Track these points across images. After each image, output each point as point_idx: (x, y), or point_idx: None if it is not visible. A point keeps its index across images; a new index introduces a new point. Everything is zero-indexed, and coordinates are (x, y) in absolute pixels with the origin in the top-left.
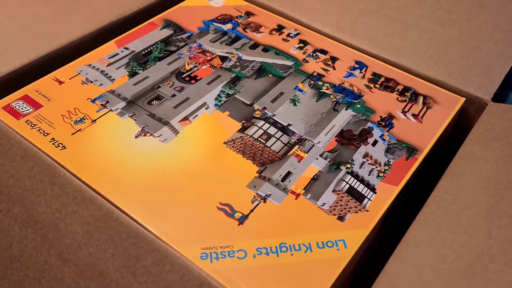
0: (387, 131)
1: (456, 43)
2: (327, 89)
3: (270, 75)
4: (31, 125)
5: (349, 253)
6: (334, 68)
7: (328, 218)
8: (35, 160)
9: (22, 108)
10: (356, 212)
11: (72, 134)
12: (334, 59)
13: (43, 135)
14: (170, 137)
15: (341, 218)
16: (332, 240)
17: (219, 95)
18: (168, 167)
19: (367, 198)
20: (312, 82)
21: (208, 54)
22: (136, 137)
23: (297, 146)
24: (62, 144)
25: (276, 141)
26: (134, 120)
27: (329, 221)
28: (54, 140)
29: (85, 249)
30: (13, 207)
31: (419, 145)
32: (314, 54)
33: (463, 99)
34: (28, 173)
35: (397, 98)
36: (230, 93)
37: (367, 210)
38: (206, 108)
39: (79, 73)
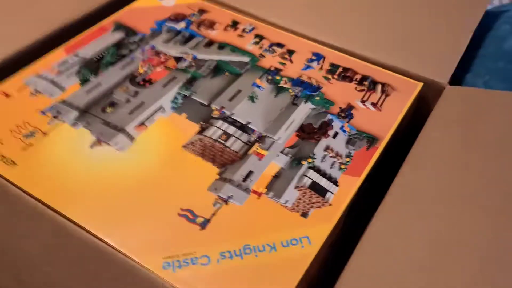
0: (347, 122)
1: (410, 28)
2: (285, 83)
3: (226, 73)
4: None
5: (314, 249)
6: (291, 61)
7: (291, 216)
8: None
9: None
10: (319, 207)
11: (22, 149)
12: (291, 52)
13: None
14: (126, 144)
15: (304, 215)
16: (296, 238)
17: (175, 97)
18: (125, 176)
19: (330, 192)
20: (269, 77)
21: (162, 56)
22: (90, 147)
23: (257, 144)
24: (12, 160)
25: (235, 140)
26: (89, 130)
27: (293, 218)
28: (3, 157)
29: (42, 269)
30: None
31: (379, 134)
32: (271, 48)
33: (421, 84)
34: None
35: (356, 88)
36: (187, 95)
37: (330, 204)
38: (162, 112)
39: (27, 85)
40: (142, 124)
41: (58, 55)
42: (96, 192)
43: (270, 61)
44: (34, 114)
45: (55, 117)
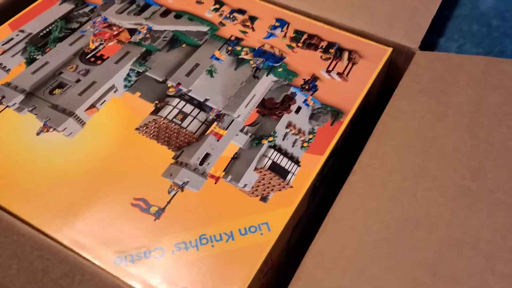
0: (311, 95)
1: None
2: (246, 54)
3: (184, 45)
4: None
5: (273, 236)
6: (253, 29)
7: (250, 201)
8: None
9: None
10: (280, 190)
11: None
12: (253, 18)
13: None
14: (76, 129)
15: (264, 199)
16: (255, 225)
17: (128, 74)
18: (75, 163)
19: (291, 173)
20: (229, 48)
21: (114, 28)
22: (37, 134)
23: (215, 123)
24: None
25: (192, 120)
26: (35, 114)
27: (252, 203)
28: None
29: None
30: None
31: (344, 106)
32: (231, 16)
33: (390, 49)
34: None
35: (321, 56)
36: (141, 71)
37: (291, 186)
38: (114, 92)
39: None
40: (93, 106)
41: (2, 32)
42: (44, 183)
43: (231, 29)
44: None
45: None
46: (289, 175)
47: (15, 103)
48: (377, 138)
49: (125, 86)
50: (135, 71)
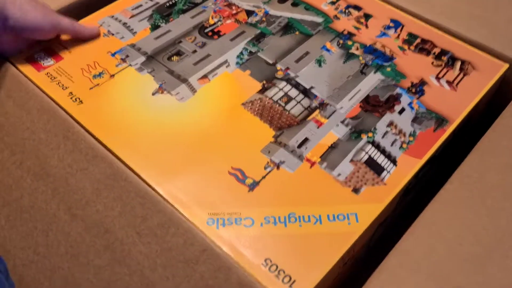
0: (417, 99)
1: (504, 3)
2: (357, 49)
3: (297, 33)
4: (51, 78)
5: (360, 228)
6: (366, 27)
7: (342, 190)
8: (51, 114)
9: (43, 60)
10: (373, 185)
11: (90, 89)
12: (367, 16)
13: (62, 88)
14: (187, 95)
15: (356, 191)
16: (343, 213)
17: (241, 52)
18: (182, 127)
19: (386, 170)
20: (341, 42)
21: (234, 8)
22: (153, 94)
23: (317, 111)
24: (79, 99)
25: (296, 104)
26: (153, 76)
27: (343, 193)
28: (72, 94)
29: (93, 206)
30: (27, 159)
31: (450, 115)
32: (347, 10)
33: (506, 65)
34: (44, 127)
35: (432, 62)
36: (253, 51)
37: (385, 184)
38: (226, 66)
39: (101, 25)
40: (205, 77)
41: None
42: (153, 140)
43: (345, 24)
44: (105, 55)
45: (123, 59)
46: (384, 173)
47: (137, 63)
48: (480, 153)
49: (237, 63)
50: (248, 50)
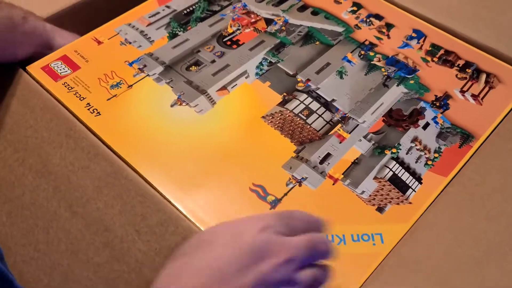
0: (441, 113)
1: None
2: (379, 61)
3: (317, 43)
4: (68, 88)
5: (385, 249)
6: (388, 37)
7: (366, 208)
8: (54, 113)
9: (60, 69)
10: (398, 203)
11: (107, 100)
12: (389, 26)
13: (79, 99)
14: (206, 107)
15: (380, 209)
16: (368, 233)
17: (261, 63)
18: (202, 140)
19: (411, 188)
20: (362, 52)
21: (252, 16)
22: (171, 106)
23: (339, 125)
24: (97, 110)
25: (317, 118)
26: (171, 87)
27: (367, 211)
28: (90, 105)
29: (93, 204)
30: (29, 157)
31: (476, 131)
32: (368, 20)
33: None
34: (46, 125)
35: (456, 75)
36: (273, 61)
37: (410, 203)
38: (246, 77)
39: (118, 33)
40: (224, 88)
41: (150, 6)
42: (172, 153)
43: (366, 34)
44: (122, 64)
45: (140, 69)
46: (409, 191)
47: (155, 73)
48: (483, 156)
49: (257, 74)
50: (268, 61)
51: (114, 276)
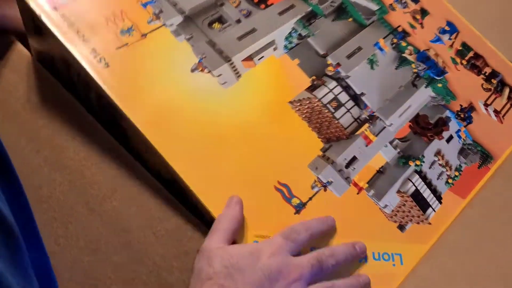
0: (465, 127)
1: None
2: (410, 54)
3: (350, 19)
4: (68, 23)
5: (404, 270)
6: (422, 26)
7: (388, 225)
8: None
9: None
10: (418, 222)
11: (117, 49)
12: (424, 12)
13: (82, 39)
14: (231, 80)
15: (401, 227)
16: (388, 253)
17: (290, 34)
18: (224, 119)
19: (432, 208)
20: (395, 41)
21: None
22: (192, 70)
23: (367, 125)
24: (105, 59)
25: (345, 112)
26: (191, 45)
27: (389, 228)
28: (96, 52)
29: (109, 202)
30: (43, 149)
31: (495, 151)
32: (404, 1)
33: None
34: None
35: (482, 84)
36: (303, 34)
37: (430, 223)
38: (274, 49)
39: None
40: (250, 58)
41: None
42: (188, 128)
43: (400, 18)
44: (134, 4)
45: (156, 15)
46: (429, 210)
47: (173, 24)
48: (502, 178)
49: (285, 46)
50: (298, 33)
51: (132, 277)
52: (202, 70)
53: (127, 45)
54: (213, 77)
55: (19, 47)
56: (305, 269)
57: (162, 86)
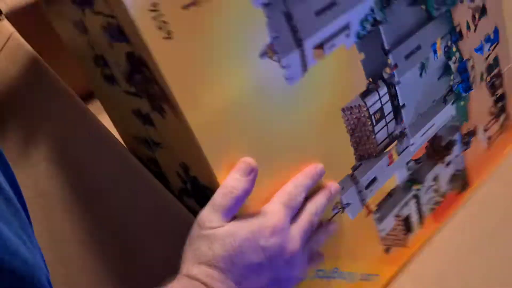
0: (463, 152)
1: None
2: (454, 62)
3: (422, 6)
4: None
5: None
6: (475, 29)
7: (376, 248)
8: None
9: None
10: (399, 246)
11: (183, 8)
12: (483, 12)
13: None
14: (296, 74)
15: (387, 250)
16: (373, 273)
17: (366, 17)
18: (282, 124)
19: (413, 232)
20: (449, 44)
21: None
22: (260, 56)
23: (396, 142)
24: (168, 27)
25: (383, 127)
26: (267, 17)
27: (377, 251)
28: (159, 13)
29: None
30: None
31: (473, 176)
32: None
33: None
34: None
35: (490, 107)
36: (378, 19)
37: (407, 247)
38: (346, 35)
39: None
40: (321, 46)
41: None
42: (236, 125)
43: (463, 13)
44: None
45: None
46: (411, 235)
47: None
48: (475, 204)
49: (358, 34)
50: (373, 16)
51: (130, 275)
52: (271, 56)
53: (194, 4)
54: (280, 68)
55: None
56: (301, 239)
57: (226, 75)
